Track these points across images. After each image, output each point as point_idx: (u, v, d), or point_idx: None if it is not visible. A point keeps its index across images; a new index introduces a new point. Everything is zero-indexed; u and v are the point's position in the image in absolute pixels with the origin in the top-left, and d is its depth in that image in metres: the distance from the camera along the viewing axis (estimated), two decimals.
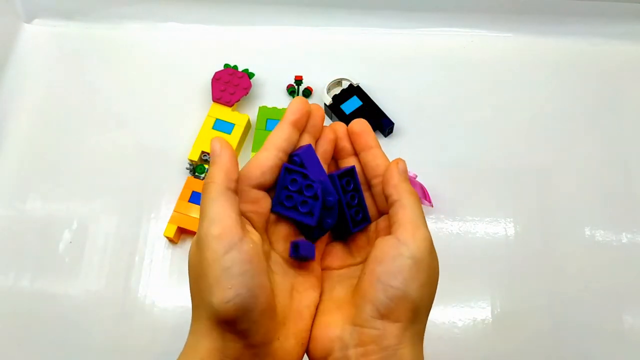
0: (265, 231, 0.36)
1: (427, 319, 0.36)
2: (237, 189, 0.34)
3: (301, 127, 0.37)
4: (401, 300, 0.33)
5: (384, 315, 0.33)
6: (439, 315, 0.58)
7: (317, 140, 0.39)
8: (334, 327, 0.34)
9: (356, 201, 0.38)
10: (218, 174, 0.33)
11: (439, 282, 0.37)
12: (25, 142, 0.68)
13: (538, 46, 0.74)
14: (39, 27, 0.76)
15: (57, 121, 0.69)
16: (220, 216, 0.32)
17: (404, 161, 0.38)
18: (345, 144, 0.39)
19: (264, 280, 0.32)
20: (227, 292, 0.30)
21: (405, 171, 0.38)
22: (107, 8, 0.76)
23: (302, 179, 0.36)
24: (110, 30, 0.76)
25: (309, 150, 0.37)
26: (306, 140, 0.38)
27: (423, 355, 0.35)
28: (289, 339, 0.34)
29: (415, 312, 0.34)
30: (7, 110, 0.70)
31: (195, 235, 0.33)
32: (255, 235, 0.34)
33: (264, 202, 0.36)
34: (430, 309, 0.36)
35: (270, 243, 0.37)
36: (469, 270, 0.61)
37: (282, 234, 0.37)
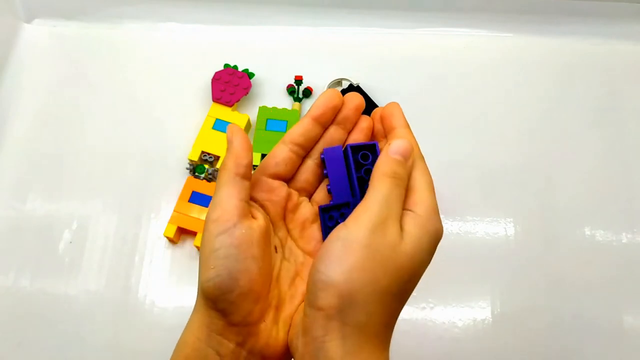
0: (282, 219, 0.38)
1: (377, 312, 0.31)
2: (247, 174, 0.35)
3: (325, 122, 0.38)
4: (324, 285, 0.31)
5: (311, 302, 0.32)
6: (439, 315, 0.58)
7: (350, 132, 0.39)
8: (299, 314, 0.35)
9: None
10: (228, 160, 0.35)
11: (412, 273, 0.33)
12: (25, 142, 0.68)
13: (538, 46, 0.74)
14: (39, 27, 0.76)
15: (57, 121, 0.69)
16: (222, 201, 0.34)
17: (403, 140, 0.35)
18: (380, 126, 0.39)
19: (250, 265, 0.33)
20: (209, 272, 0.33)
21: (399, 151, 0.34)
22: (107, 8, 0.76)
23: (336, 212, 0.37)
24: (110, 30, 0.76)
25: (334, 150, 0.37)
26: (336, 132, 0.38)
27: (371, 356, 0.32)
28: (278, 323, 0.35)
29: (342, 298, 0.30)
30: (7, 110, 0.70)
31: None
32: (261, 222, 0.34)
33: (280, 191, 0.37)
34: (379, 299, 0.31)
35: (288, 230, 0.38)
36: (468, 270, 0.61)
37: (300, 222, 0.38)
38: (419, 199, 0.34)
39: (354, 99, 0.38)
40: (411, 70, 0.72)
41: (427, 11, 0.74)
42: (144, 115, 0.70)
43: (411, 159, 0.35)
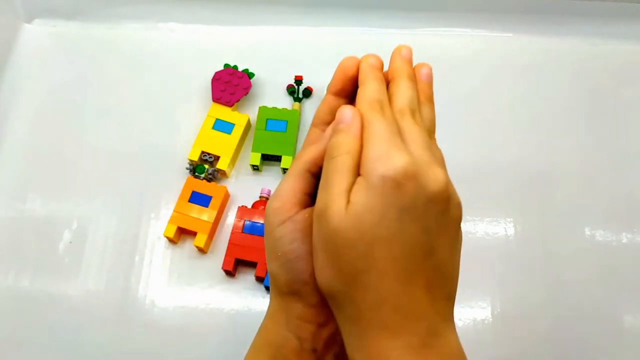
0: None
1: (357, 299, 0.29)
2: (318, 172, 0.33)
3: (348, 94, 0.36)
4: (313, 288, 0.32)
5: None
6: None
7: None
8: None
9: None
10: (308, 155, 0.34)
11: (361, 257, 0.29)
12: (25, 142, 0.68)
13: (538, 46, 0.74)
14: (39, 27, 0.76)
15: (57, 121, 0.69)
16: (286, 192, 0.34)
17: (348, 106, 0.32)
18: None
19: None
20: (278, 260, 0.33)
21: (340, 118, 0.32)
22: (107, 8, 0.75)
23: None
24: (110, 30, 0.76)
25: None
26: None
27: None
28: None
29: (328, 298, 0.31)
30: (7, 110, 0.70)
31: None
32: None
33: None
34: (352, 288, 0.29)
35: None
36: (468, 270, 0.60)
37: None
38: (365, 156, 0.30)
39: (369, 59, 0.36)
40: None
41: (427, 11, 0.74)
42: (143, 115, 0.70)
43: (350, 125, 0.31)
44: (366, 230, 0.29)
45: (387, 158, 0.29)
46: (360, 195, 0.29)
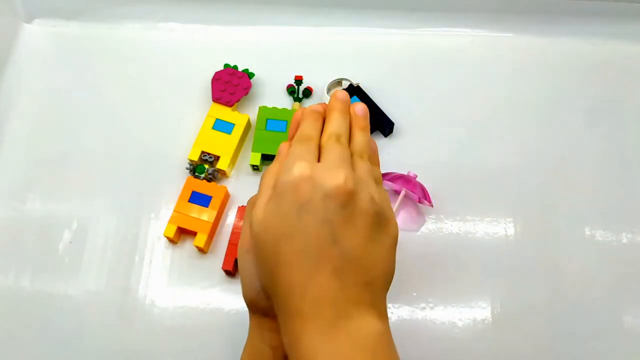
0: None
1: (274, 293, 0.35)
2: None
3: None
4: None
5: None
6: (439, 315, 0.58)
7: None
8: None
9: None
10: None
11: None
12: (25, 142, 0.68)
13: (538, 46, 0.74)
14: (39, 27, 0.76)
15: (57, 121, 0.69)
16: (246, 231, 0.40)
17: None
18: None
19: None
20: (242, 285, 0.40)
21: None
22: (107, 8, 0.76)
23: None
24: (110, 30, 0.76)
25: None
26: None
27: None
28: None
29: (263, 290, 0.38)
30: (7, 110, 0.70)
31: None
32: None
33: None
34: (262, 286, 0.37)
35: None
36: (468, 270, 0.61)
37: None
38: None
39: (312, 107, 0.40)
40: (411, 70, 0.72)
41: (427, 11, 0.74)
42: (143, 115, 0.70)
43: (279, 155, 0.39)
44: (272, 230, 0.33)
45: (289, 168, 0.34)
46: (270, 203, 0.34)
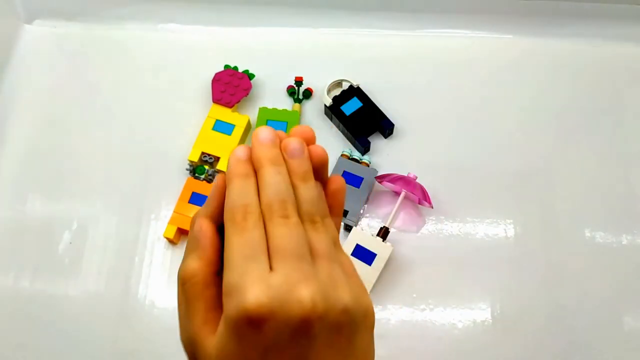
0: None
1: None
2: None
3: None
4: None
5: None
6: (439, 316, 0.58)
7: None
8: None
9: None
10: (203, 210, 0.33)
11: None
12: (25, 142, 0.68)
13: (538, 48, 0.74)
14: (39, 28, 0.76)
15: (58, 122, 0.69)
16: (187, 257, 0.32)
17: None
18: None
19: None
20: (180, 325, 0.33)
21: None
22: (108, 9, 0.76)
23: None
24: (110, 31, 0.76)
25: None
26: None
27: None
28: None
29: None
30: (8, 111, 0.70)
31: None
32: None
33: None
34: None
35: None
36: (468, 272, 0.61)
37: None
38: (223, 285, 0.28)
39: (235, 151, 0.32)
40: (411, 72, 0.72)
41: (428, 12, 0.74)
42: (143, 116, 0.70)
43: (198, 243, 0.30)
44: None
45: (238, 293, 0.26)
46: (220, 339, 0.27)
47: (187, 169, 0.65)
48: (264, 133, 0.30)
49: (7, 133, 0.69)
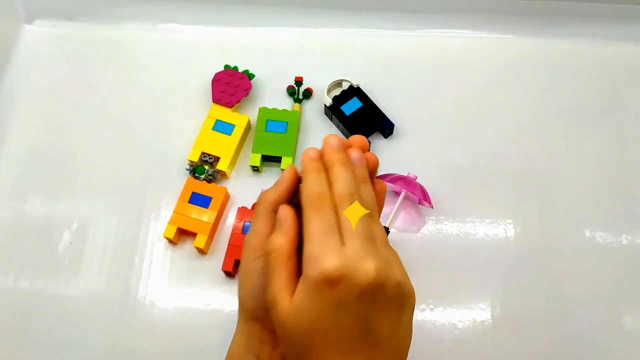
0: None
1: None
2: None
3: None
4: None
5: None
6: (438, 316, 0.58)
7: None
8: None
9: None
10: (270, 195, 0.39)
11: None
12: (25, 142, 0.68)
13: (538, 48, 0.74)
14: (39, 28, 0.76)
15: (57, 122, 0.69)
16: (259, 231, 0.39)
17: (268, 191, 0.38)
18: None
19: None
20: (248, 287, 0.39)
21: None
22: (108, 9, 0.76)
23: None
24: (110, 31, 0.76)
25: None
26: None
27: None
28: None
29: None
30: (8, 111, 0.70)
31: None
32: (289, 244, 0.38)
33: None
34: None
35: None
36: (468, 272, 0.61)
37: None
38: (303, 256, 0.34)
39: (307, 152, 0.39)
40: (411, 72, 0.72)
41: (428, 12, 0.74)
42: (143, 116, 0.70)
43: (282, 224, 0.37)
44: (305, 325, 0.34)
45: (319, 260, 0.33)
46: (299, 295, 0.34)
47: (187, 169, 0.65)
48: (334, 140, 0.38)
49: (7, 133, 0.69)
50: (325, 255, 0.33)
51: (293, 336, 0.34)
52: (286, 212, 0.37)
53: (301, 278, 0.34)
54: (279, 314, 0.34)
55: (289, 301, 0.34)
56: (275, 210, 0.38)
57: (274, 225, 0.38)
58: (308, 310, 0.33)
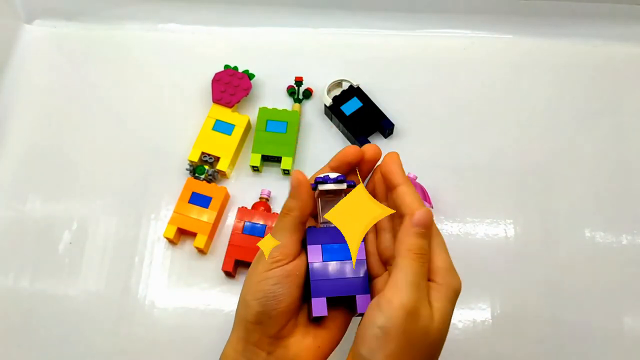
0: None
1: None
2: (307, 220, 0.41)
3: (343, 171, 0.42)
4: None
5: None
6: None
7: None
8: None
9: None
10: (294, 206, 0.40)
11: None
12: (25, 142, 0.68)
13: (538, 48, 0.74)
14: (39, 28, 0.77)
15: (57, 122, 0.69)
16: (288, 245, 0.40)
17: (424, 210, 0.38)
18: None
19: (293, 291, 0.39)
20: (258, 292, 0.39)
21: (423, 223, 0.37)
22: (108, 9, 0.76)
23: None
24: (110, 31, 0.76)
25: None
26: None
27: None
28: (307, 338, 0.40)
29: None
30: (8, 111, 0.70)
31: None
32: (304, 258, 0.41)
33: None
34: None
35: None
36: (468, 272, 0.60)
37: None
38: (437, 266, 0.38)
39: (393, 157, 0.41)
40: (411, 72, 0.72)
41: (428, 12, 0.74)
42: (143, 116, 0.70)
43: (432, 227, 0.38)
44: (444, 331, 0.37)
45: (454, 274, 0.38)
46: (443, 303, 0.36)
47: (187, 169, 0.65)
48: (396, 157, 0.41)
49: (7, 133, 0.69)
50: (454, 269, 0.38)
51: (431, 344, 0.36)
52: (298, 179, 0.40)
53: (439, 287, 0.37)
54: (423, 320, 0.35)
55: (429, 308, 0.36)
56: (303, 222, 0.40)
57: (299, 238, 0.40)
58: (448, 318, 0.37)
